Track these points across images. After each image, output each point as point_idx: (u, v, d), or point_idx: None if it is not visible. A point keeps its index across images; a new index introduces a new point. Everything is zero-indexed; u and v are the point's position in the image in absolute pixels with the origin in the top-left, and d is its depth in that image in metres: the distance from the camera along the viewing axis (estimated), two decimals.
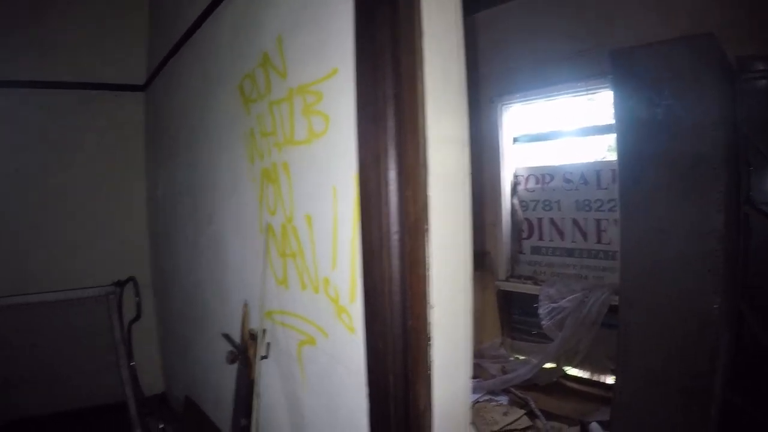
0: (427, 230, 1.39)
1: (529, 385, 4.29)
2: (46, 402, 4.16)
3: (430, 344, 1.42)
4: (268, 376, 2.12)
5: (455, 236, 1.48)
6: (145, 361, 4.31)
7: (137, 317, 3.90)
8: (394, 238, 1.38)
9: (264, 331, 1.99)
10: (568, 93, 4.44)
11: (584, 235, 4.46)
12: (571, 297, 4.24)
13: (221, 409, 3.00)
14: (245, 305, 2.09)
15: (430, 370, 1.42)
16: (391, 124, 1.40)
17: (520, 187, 4.83)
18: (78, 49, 4.13)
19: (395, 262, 1.39)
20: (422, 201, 1.38)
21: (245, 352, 2.00)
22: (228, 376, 2.63)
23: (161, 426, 3.73)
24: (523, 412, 3.99)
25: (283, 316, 1.95)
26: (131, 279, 3.88)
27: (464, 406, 1.56)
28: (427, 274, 1.40)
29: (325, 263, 1.66)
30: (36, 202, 4.14)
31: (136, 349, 4.07)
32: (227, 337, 2.18)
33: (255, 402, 1.97)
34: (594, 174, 4.39)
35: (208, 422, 3.24)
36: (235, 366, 2.13)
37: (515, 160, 4.87)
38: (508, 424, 3.81)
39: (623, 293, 2.70)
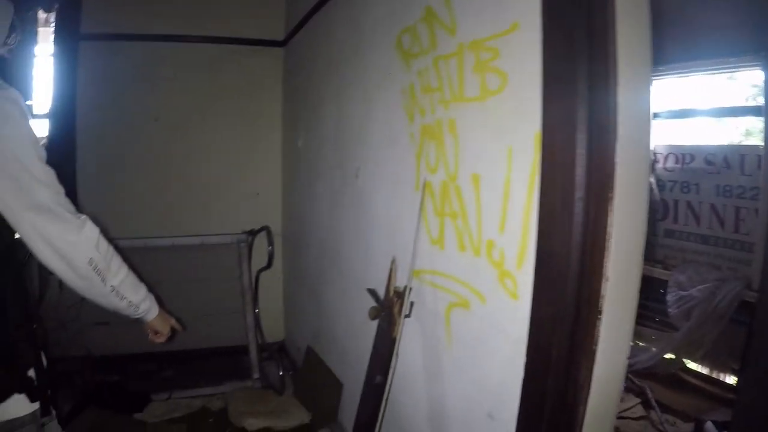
0: (611, 198, 1.32)
1: (646, 374, 4.12)
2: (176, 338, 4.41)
3: (600, 319, 1.36)
4: (409, 336, 2.12)
5: (634, 207, 1.40)
6: (269, 309, 4.51)
7: (267, 266, 4.05)
8: (578, 204, 1.32)
9: (410, 289, 1.99)
10: (710, 69, 4.13)
11: (722, 222, 4.15)
12: (701, 286, 3.99)
13: (346, 362, 3.08)
14: (393, 262, 2.10)
15: (595, 345, 1.37)
16: (582, 86, 1.32)
17: (658, 166, 4.56)
18: (222, 5, 4.31)
19: (576, 229, 1.32)
20: (609, 168, 1.31)
21: (389, 309, 2.02)
22: (359, 330, 2.70)
23: (280, 372, 3.88)
24: (638, 401, 3.85)
25: (434, 276, 1.94)
26: (264, 228, 4.03)
27: (618, 386, 1.49)
28: (606, 244, 1.34)
29: (491, 226, 1.62)
30: (178, 152, 4.40)
31: (261, 297, 4.29)
32: (372, 292, 2.20)
33: (393, 361, 2.00)
34: (738, 158, 4.04)
35: (329, 374, 3.33)
36: (372, 323, 2.16)
37: (654, 137, 4.59)
38: (622, 411, 3.69)
39: (765, 290, 2.48)
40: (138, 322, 1.86)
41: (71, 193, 3.74)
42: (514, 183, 1.53)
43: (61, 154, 4.08)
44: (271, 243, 3.99)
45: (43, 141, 4.23)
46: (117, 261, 1.63)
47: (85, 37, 4.05)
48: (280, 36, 4.42)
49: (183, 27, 4.21)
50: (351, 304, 2.88)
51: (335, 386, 3.23)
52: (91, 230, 1.54)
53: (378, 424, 2.07)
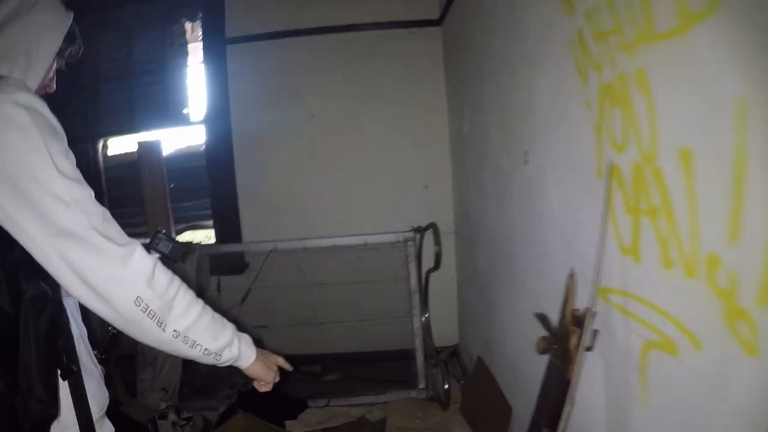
0: None
1: None
2: (337, 341, 4.29)
3: None
4: (589, 375, 1.57)
5: None
6: (442, 311, 4.17)
7: (435, 267, 3.66)
8: None
9: (593, 314, 1.43)
10: None
11: None
12: None
13: (516, 385, 2.58)
14: (571, 275, 1.54)
15: None
16: None
17: None
18: None
19: None
20: None
21: (564, 342, 1.48)
22: (532, 353, 2.18)
23: (446, 385, 3.46)
24: None
25: (625, 299, 1.36)
26: (431, 225, 3.64)
27: None
28: None
29: (714, 231, 1.02)
30: (337, 147, 4.25)
31: (433, 298, 3.92)
32: (542, 318, 1.67)
33: (566, 409, 1.46)
34: None
35: (498, 394, 2.84)
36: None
37: None
38: None
39: None
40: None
41: (231, 196, 3.75)
42: (753, 160, 0.92)
43: (220, 159, 4.23)
44: (437, 242, 3.58)
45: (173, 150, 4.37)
46: (184, 299, 1.27)
47: (232, 40, 4.15)
48: (434, 14, 4.07)
49: (330, 18, 4.10)
50: (523, 320, 2.37)
51: (503, 411, 2.73)
52: (141, 262, 1.20)
53: None
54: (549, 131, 1.89)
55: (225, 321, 1.40)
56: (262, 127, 4.19)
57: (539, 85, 1.98)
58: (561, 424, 1.47)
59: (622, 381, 1.42)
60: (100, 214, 1.18)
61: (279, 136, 4.22)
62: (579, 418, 1.66)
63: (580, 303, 1.49)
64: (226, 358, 1.37)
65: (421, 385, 3.72)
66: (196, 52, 4.32)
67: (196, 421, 3.51)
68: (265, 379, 1.51)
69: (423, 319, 3.78)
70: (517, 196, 2.34)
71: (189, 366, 3.71)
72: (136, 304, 1.17)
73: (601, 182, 1.42)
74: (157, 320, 1.20)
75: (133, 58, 4.40)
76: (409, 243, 3.72)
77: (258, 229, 4.17)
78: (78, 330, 1.41)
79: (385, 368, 4.07)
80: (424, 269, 3.84)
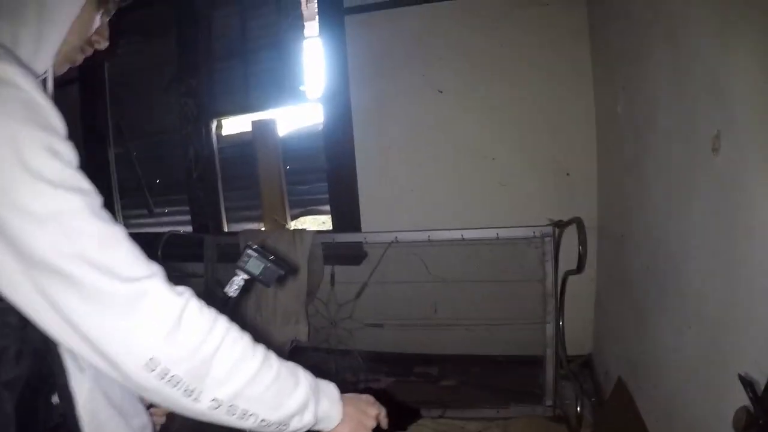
0: None
1: None
2: (458, 342, 3.92)
3: None
4: None
5: None
6: (576, 315, 3.64)
7: (578, 269, 3.15)
8: None
9: None
10: None
11: None
12: None
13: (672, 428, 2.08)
14: None
15: None
16: None
17: None
18: None
19: None
20: None
21: None
22: (705, 401, 1.68)
23: (578, 408, 2.97)
24: None
25: None
26: (575, 220, 3.11)
27: None
28: None
29: None
30: (467, 127, 3.81)
31: (568, 301, 3.42)
32: (748, 382, 1.16)
33: None
34: None
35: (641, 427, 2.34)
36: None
37: None
38: None
39: None
40: None
41: (350, 180, 3.39)
42: None
43: (338, 139, 3.95)
44: (583, 240, 3.04)
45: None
46: (231, 354, 0.90)
47: (350, 10, 3.80)
48: None
49: None
50: (696, 354, 1.85)
51: None
52: (157, 305, 0.83)
53: None
54: (759, 105, 1.34)
55: (299, 374, 1.04)
56: (383, 105, 3.85)
57: (738, 47, 1.44)
58: None
59: None
60: (95, 234, 0.81)
61: (403, 114, 3.85)
62: None
63: None
64: (296, 427, 1.01)
65: (549, 403, 3.28)
66: (312, 25, 4.07)
67: None
68: None
69: (558, 326, 3.30)
70: (700, 194, 1.79)
71: (293, 358, 3.48)
72: (149, 369, 0.82)
73: None
74: (184, 388, 0.85)
75: (247, 34, 4.21)
76: (546, 239, 3.23)
77: (377, 216, 3.86)
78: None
79: (509, 377, 3.66)
80: (562, 269, 3.34)
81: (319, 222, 4.46)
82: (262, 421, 0.95)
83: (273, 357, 0.99)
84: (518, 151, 3.75)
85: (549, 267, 3.24)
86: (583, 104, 3.61)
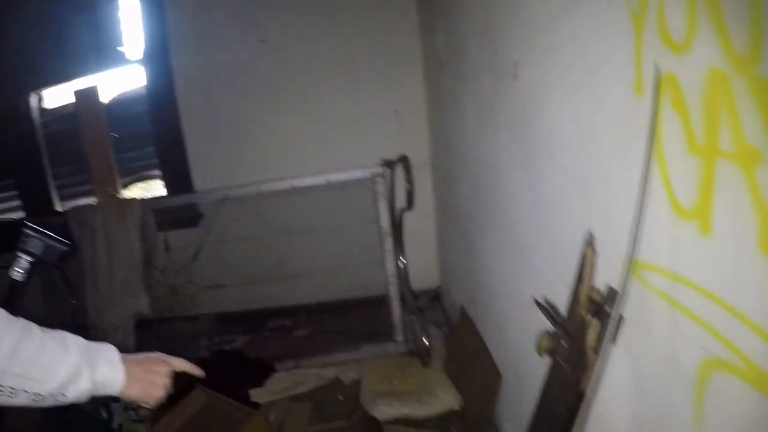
0: None
1: None
2: (306, 291, 3.86)
3: None
4: (611, 383, 1.15)
5: None
6: (421, 251, 3.74)
7: (409, 205, 3.18)
8: None
9: (620, 298, 0.96)
10: None
11: None
12: None
13: (506, 351, 2.18)
14: (589, 243, 1.05)
15: None
16: None
17: None
18: None
19: None
20: None
21: (577, 338, 1.01)
22: (526, 326, 1.76)
23: (426, 342, 3.05)
24: None
25: (676, 285, 0.89)
26: (402, 159, 3.13)
27: None
28: None
29: None
30: (292, 75, 3.68)
31: (411, 236, 3.48)
32: (543, 306, 1.19)
33: (575, 428, 1.02)
34: None
35: (486, 357, 2.44)
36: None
37: None
38: None
39: None
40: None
41: (177, 142, 3.20)
42: None
43: (161, 101, 3.69)
44: (409, 178, 3.07)
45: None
46: None
47: None
48: None
49: None
50: (515, 279, 1.92)
51: (492, 376, 2.34)
52: None
53: None
54: (553, 32, 1.35)
55: (67, 342, 0.95)
56: (207, 62, 3.61)
57: None
58: None
59: (660, 400, 0.98)
60: None
61: (228, 70, 3.64)
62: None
63: (602, 280, 1.02)
64: (74, 396, 0.95)
65: (399, 338, 3.34)
66: None
67: None
68: (146, 400, 1.09)
69: (398, 263, 3.35)
70: (506, 120, 1.83)
71: (142, 332, 3.31)
72: None
73: (641, 102, 0.92)
74: None
75: None
76: (378, 180, 3.21)
77: (211, 177, 3.62)
78: None
79: (361, 319, 3.68)
80: (398, 208, 3.37)
81: (152, 188, 4.20)
82: (35, 395, 0.90)
83: (35, 329, 0.93)
84: (347, 96, 3.66)
85: (382, 207, 3.23)
86: (409, 43, 3.59)
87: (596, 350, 0.95)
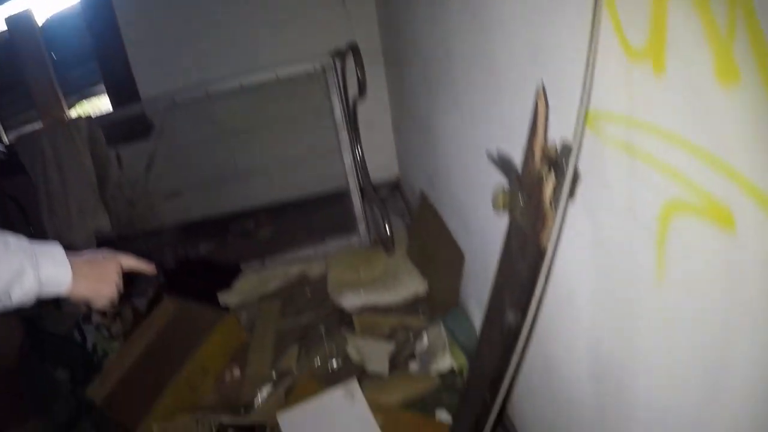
0: None
1: None
2: (266, 192, 3.79)
3: None
4: (571, 239, 1.16)
5: None
6: (379, 142, 3.72)
7: (360, 93, 3.10)
8: None
9: (576, 152, 0.94)
10: None
11: None
12: None
13: (467, 227, 2.20)
14: (539, 94, 1.00)
15: None
16: None
17: None
18: None
19: None
20: None
21: (534, 191, 1.00)
22: (483, 194, 1.76)
23: (388, 231, 3.06)
24: None
25: (631, 131, 0.88)
26: (351, 46, 3.02)
27: None
28: None
29: None
30: None
31: (368, 129, 3.43)
32: (500, 160, 1.17)
33: (539, 287, 1.03)
34: None
35: (447, 237, 2.46)
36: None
37: None
38: None
39: None
40: None
41: (118, 52, 3.08)
42: None
43: (99, 12, 3.42)
44: (359, 64, 2.96)
45: None
46: None
47: None
48: None
49: None
50: (470, 151, 1.91)
51: (455, 256, 2.38)
52: None
53: (506, 379, 1.17)
54: None
55: (8, 241, 0.92)
56: None
57: None
58: (531, 307, 1.06)
59: (623, 252, 0.99)
60: None
61: None
62: (557, 296, 1.27)
63: (556, 135, 1.00)
64: (19, 297, 0.92)
65: (362, 229, 3.36)
66: None
67: (125, 315, 3.14)
68: (96, 299, 1.07)
69: (355, 154, 3.31)
70: None
71: None
72: None
73: None
74: None
75: None
76: (328, 70, 3.10)
77: (158, 85, 3.39)
78: None
79: (323, 214, 3.67)
80: (351, 99, 3.28)
81: (99, 104, 4.01)
82: None
83: None
84: None
85: (335, 98, 3.13)
86: None
87: (554, 205, 0.94)
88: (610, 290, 1.07)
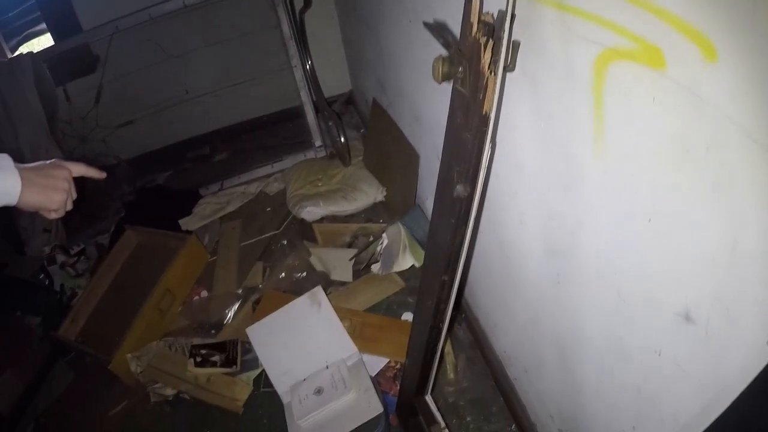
0: None
1: None
2: (219, 115, 3.70)
3: None
4: (512, 107, 1.15)
5: None
6: (329, 58, 3.62)
7: (306, 5, 3.00)
8: None
9: (511, 18, 0.93)
10: None
11: None
12: None
13: (420, 125, 2.19)
14: None
15: None
16: None
17: None
18: None
19: None
20: None
21: (473, 62, 0.98)
22: (432, 87, 1.75)
23: (341, 139, 3.04)
24: None
25: None
26: None
27: None
28: None
29: None
30: None
31: (317, 45, 3.35)
32: (436, 28, 1.14)
33: (485, 155, 1.03)
34: None
35: (401, 140, 2.46)
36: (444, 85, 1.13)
37: None
38: None
39: None
40: None
41: None
42: None
43: None
44: None
45: None
46: None
47: None
48: None
49: None
50: (414, 40, 1.87)
51: (410, 157, 2.39)
52: None
53: (462, 253, 1.20)
54: None
55: None
56: None
57: None
58: (479, 177, 1.07)
59: (563, 113, 0.99)
60: None
61: None
62: (503, 167, 1.28)
63: (492, 5, 0.98)
64: None
65: (318, 143, 3.32)
66: None
67: (89, 252, 3.12)
68: (48, 207, 1.03)
69: (306, 68, 3.22)
70: None
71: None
72: None
73: None
74: None
75: None
76: None
77: (99, 14, 3.17)
78: None
79: (278, 133, 3.62)
80: (298, 12, 3.17)
81: (42, 44, 3.80)
82: None
83: None
84: None
85: (281, 11, 3.01)
86: None
87: (493, 71, 0.93)
88: (553, 153, 1.08)
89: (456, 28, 1.00)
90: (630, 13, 0.72)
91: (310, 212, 2.75)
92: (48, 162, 1.05)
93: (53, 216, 1.06)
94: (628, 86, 0.78)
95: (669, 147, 0.73)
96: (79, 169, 1.10)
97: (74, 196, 1.07)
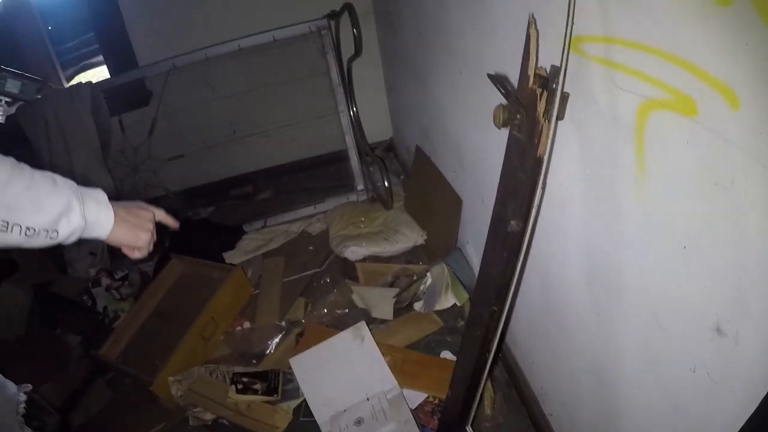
0: None
1: None
2: (264, 155, 3.86)
3: None
4: (562, 151, 1.27)
5: None
6: (372, 104, 3.75)
7: (357, 53, 3.19)
8: None
9: (564, 71, 1.06)
10: None
11: None
12: None
13: (463, 170, 2.31)
14: (530, 23, 1.11)
15: None
16: None
17: None
18: None
19: None
20: None
21: (528, 108, 1.11)
22: (478, 127, 1.88)
23: (386, 183, 3.17)
24: None
25: (609, 47, 0.99)
26: (346, 7, 3.10)
27: None
28: None
29: None
30: None
31: (360, 91, 3.50)
32: (498, 80, 1.28)
33: (537, 195, 1.15)
34: None
35: (444, 184, 2.56)
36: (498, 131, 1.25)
37: None
38: None
39: None
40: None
41: (115, 19, 3.09)
42: None
43: None
44: (355, 24, 3.05)
45: None
46: None
47: None
48: None
49: None
50: (464, 90, 2.01)
51: (453, 202, 2.49)
52: None
53: (512, 285, 1.31)
54: None
55: (56, 178, 0.97)
56: None
57: None
58: (533, 212, 1.18)
59: (607, 156, 1.11)
60: None
61: None
62: (553, 204, 1.39)
63: (546, 60, 1.11)
64: (66, 233, 0.97)
65: (360, 187, 3.46)
66: None
67: (132, 278, 3.23)
68: (134, 244, 1.13)
69: (351, 113, 3.40)
70: None
71: None
72: None
73: None
74: None
75: None
76: (323, 32, 3.17)
77: (154, 51, 3.42)
78: None
79: (320, 175, 3.77)
80: (345, 59, 3.37)
81: (98, 76, 4.03)
82: (28, 229, 0.90)
83: (25, 167, 0.93)
84: None
85: (331, 58, 3.22)
86: None
87: (546, 117, 1.06)
88: (597, 192, 1.19)
89: (513, 78, 1.14)
90: (667, 69, 0.85)
91: (354, 252, 2.86)
92: (134, 202, 1.16)
93: (136, 255, 1.15)
94: (665, 131, 0.90)
95: (700, 181, 0.85)
96: (161, 215, 1.21)
97: (155, 238, 1.17)
